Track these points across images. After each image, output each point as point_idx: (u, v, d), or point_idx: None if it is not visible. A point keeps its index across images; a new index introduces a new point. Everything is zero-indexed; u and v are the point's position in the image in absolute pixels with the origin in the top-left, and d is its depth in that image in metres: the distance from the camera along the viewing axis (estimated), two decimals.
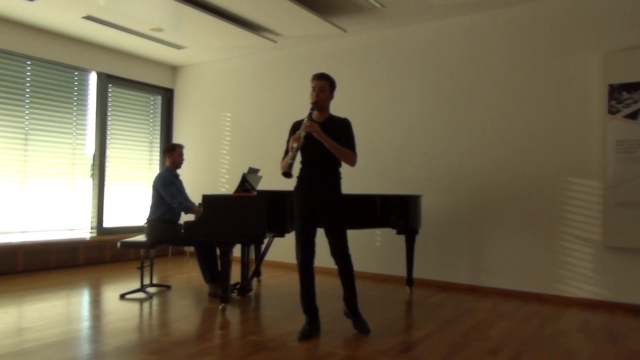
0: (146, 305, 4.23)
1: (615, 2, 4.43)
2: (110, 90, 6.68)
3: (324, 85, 3.40)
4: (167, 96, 7.51)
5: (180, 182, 4.89)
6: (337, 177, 3.48)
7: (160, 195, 4.61)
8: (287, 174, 3.17)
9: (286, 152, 3.44)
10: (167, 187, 4.58)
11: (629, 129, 4.26)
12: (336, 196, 3.44)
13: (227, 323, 3.70)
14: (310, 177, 3.39)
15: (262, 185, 4.93)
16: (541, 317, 3.97)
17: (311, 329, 3.34)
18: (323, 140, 3.28)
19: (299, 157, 3.37)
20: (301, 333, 3.30)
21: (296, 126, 3.44)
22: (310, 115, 3.32)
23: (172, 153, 4.79)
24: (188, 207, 4.65)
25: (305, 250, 3.36)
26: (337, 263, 3.46)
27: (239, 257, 4.77)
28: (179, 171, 4.90)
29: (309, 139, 3.27)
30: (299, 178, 3.45)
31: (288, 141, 3.45)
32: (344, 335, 3.41)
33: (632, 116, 4.26)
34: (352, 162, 3.44)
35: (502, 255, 4.87)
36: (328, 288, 4.57)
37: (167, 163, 4.80)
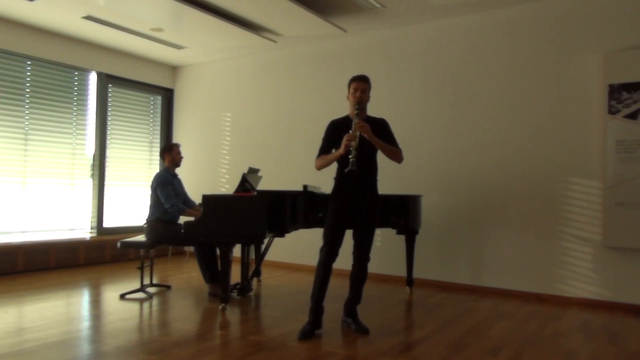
0: (146, 305, 4.23)
1: (615, 2, 4.43)
2: (110, 90, 6.68)
3: (366, 87, 3.48)
4: (167, 96, 7.51)
5: (179, 182, 4.88)
6: (376, 180, 3.54)
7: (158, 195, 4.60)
8: (352, 171, 3.13)
9: (322, 150, 3.48)
10: (164, 187, 4.57)
11: (629, 129, 4.26)
12: (376, 199, 3.51)
13: (227, 323, 3.71)
14: (353, 180, 3.35)
15: (262, 185, 4.93)
16: (541, 317, 3.97)
17: (312, 330, 3.33)
18: (373, 141, 3.33)
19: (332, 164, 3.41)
20: (301, 333, 3.28)
21: (335, 126, 3.49)
22: (357, 115, 3.33)
23: (170, 152, 4.79)
24: (182, 209, 4.63)
25: (334, 249, 3.37)
26: (355, 264, 3.53)
27: (239, 257, 4.77)
28: (177, 170, 4.91)
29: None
30: (340, 181, 3.43)
31: (324, 139, 3.50)
32: (344, 335, 3.41)
33: (632, 116, 4.26)
34: (400, 158, 3.54)
35: (502, 255, 4.87)
36: (329, 288, 4.56)
37: (166, 162, 4.80)
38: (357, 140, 3.21)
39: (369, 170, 3.48)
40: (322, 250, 3.39)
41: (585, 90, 4.54)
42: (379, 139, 3.40)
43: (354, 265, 3.54)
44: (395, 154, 3.51)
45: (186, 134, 7.35)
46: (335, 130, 3.47)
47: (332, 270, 3.40)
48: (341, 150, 3.27)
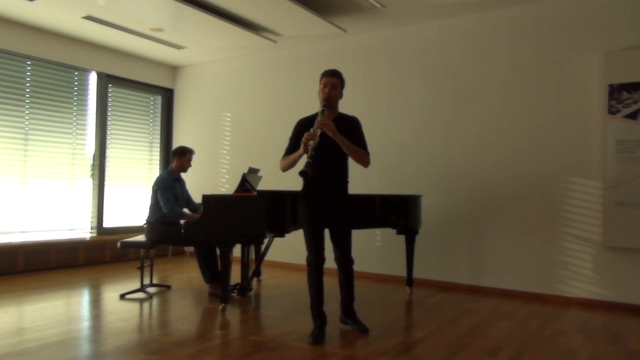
0: (146, 305, 4.23)
1: (615, 2, 4.43)
2: (110, 90, 6.68)
3: (336, 82, 3.30)
4: (167, 96, 7.51)
5: (181, 185, 4.86)
6: (346, 181, 3.42)
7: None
8: (305, 172, 2.95)
9: (288, 151, 3.36)
10: (165, 191, 4.55)
11: (629, 129, 4.26)
12: (345, 201, 3.39)
13: (227, 323, 3.71)
14: (320, 180, 3.28)
15: (262, 185, 4.93)
16: (541, 317, 3.97)
17: (321, 334, 3.27)
18: (337, 140, 3.16)
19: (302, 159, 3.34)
20: (313, 337, 3.21)
21: (303, 124, 3.35)
22: (322, 112, 3.17)
23: (181, 158, 4.74)
24: (180, 214, 4.61)
25: (319, 253, 3.29)
26: (340, 269, 3.44)
27: (239, 257, 4.77)
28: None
29: (321, 138, 3.11)
30: (309, 183, 3.31)
31: (291, 139, 3.37)
32: (344, 335, 3.41)
33: (632, 116, 4.26)
34: (366, 162, 3.34)
35: (502, 255, 4.87)
36: (326, 288, 4.56)
37: (173, 165, 4.77)
38: (316, 140, 3.04)
39: (338, 170, 3.35)
40: (308, 259, 3.33)
41: (585, 90, 4.54)
42: (348, 139, 3.24)
43: (339, 270, 3.46)
44: (361, 156, 3.30)
45: (186, 134, 7.35)
46: (303, 129, 3.29)
47: (323, 273, 3.34)
48: (301, 150, 3.12)
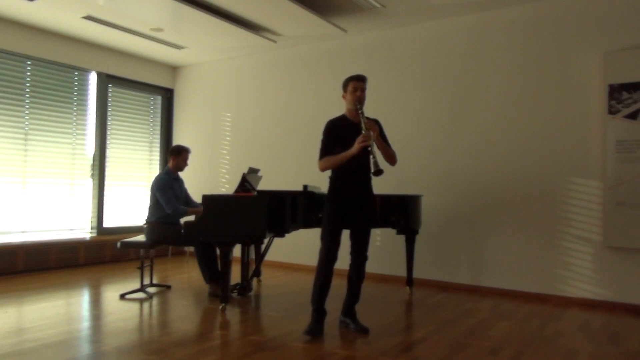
0: (146, 305, 4.23)
1: (615, 2, 4.43)
2: (110, 90, 6.68)
3: (364, 87, 3.50)
4: (167, 96, 7.51)
5: (180, 184, 4.86)
6: (370, 181, 3.54)
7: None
8: (381, 170, 3.10)
9: (326, 152, 3.42)
10: (165, 191, 4.55)
11: (629, 129, 4.26)
12: (373, 199, 3.53)
13: (227, 323, 3.71)
14: (353, 181, 3.41)
15: (262, 185, 4.93)
16: (541, 317, 3.97)
17: (317, 328, 3.31)
18: (378, 141, 3.35)
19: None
20: (309, 332, 3.25)
21: (335, 126, 3.45)
22: (362, 114, 3.32)
23: (177, 157, 4.74)
24: (183, 212, 4.61)
25: (334, 252, 3.36)
26: (354, 264, 3.51)
27: (239, 257, 4.77)
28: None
29: (350, 139, 3.28)
30: (339, 181, 3.42)
31: (326, 140, 3.44)
32: (344, 335, 3.41)
33: (632, 116, 4.26)
34: (395, 161, 3.54)
35: (502, 255, 4.87)
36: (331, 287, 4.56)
37: (170, 164, 4.78)
38: (372, 139, 3.21)
39: (365, 173, 3.45)
40: (321, 253, 3.36)
41: (585, 90, 4.54)
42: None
43: (352, 266, 3.52)
44: (393, 156, 3.52)
45: (186, 134, 7.35)
46: (337, 131, 3.43)
47: (333, 273, 3.39)
48: (354, 150, 3.23)
